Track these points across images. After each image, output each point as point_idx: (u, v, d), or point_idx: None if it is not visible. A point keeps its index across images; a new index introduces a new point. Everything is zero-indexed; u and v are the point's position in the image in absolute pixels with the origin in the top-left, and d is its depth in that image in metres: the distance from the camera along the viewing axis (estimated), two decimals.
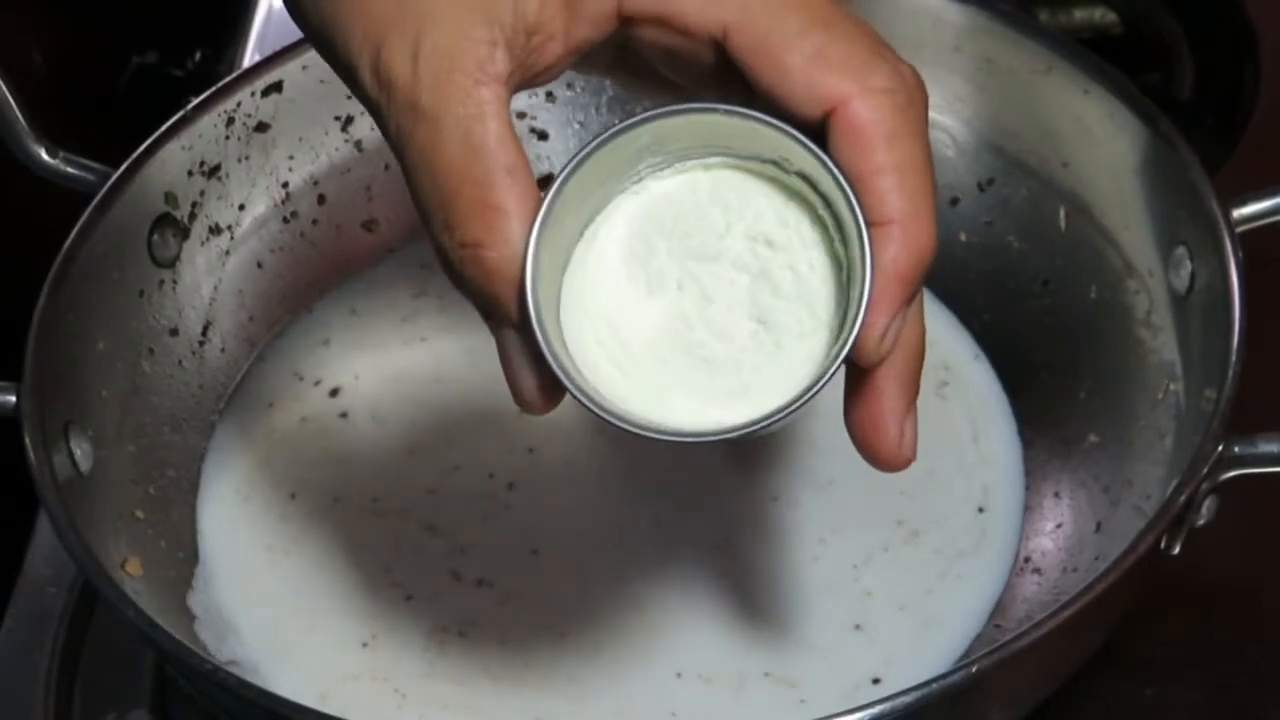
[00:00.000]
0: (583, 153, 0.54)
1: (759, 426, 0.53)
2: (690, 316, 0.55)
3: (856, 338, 0.52)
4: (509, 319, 0.53)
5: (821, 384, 0.53)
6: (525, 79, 0.54)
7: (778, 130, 0.53)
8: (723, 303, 0.55)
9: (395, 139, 0.54)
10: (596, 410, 0.53)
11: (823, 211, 0.54)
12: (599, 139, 0.54)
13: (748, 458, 0.75)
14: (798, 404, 0.53)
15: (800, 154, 0.53)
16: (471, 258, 0.52)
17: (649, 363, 0.55)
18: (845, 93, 0.52)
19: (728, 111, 0.53)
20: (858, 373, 0.55)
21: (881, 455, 0.56)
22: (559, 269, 0.55)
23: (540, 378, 0.54)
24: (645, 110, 0.54)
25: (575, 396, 0.53)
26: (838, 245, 0.54)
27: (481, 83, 0.52)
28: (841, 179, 0.52)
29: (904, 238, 0.52)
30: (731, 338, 0.55)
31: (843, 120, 0.52)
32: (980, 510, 0.73)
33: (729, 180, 0.55)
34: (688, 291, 0.55)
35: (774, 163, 0.54)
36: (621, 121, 0.53)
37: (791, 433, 0.75)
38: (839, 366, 0.53)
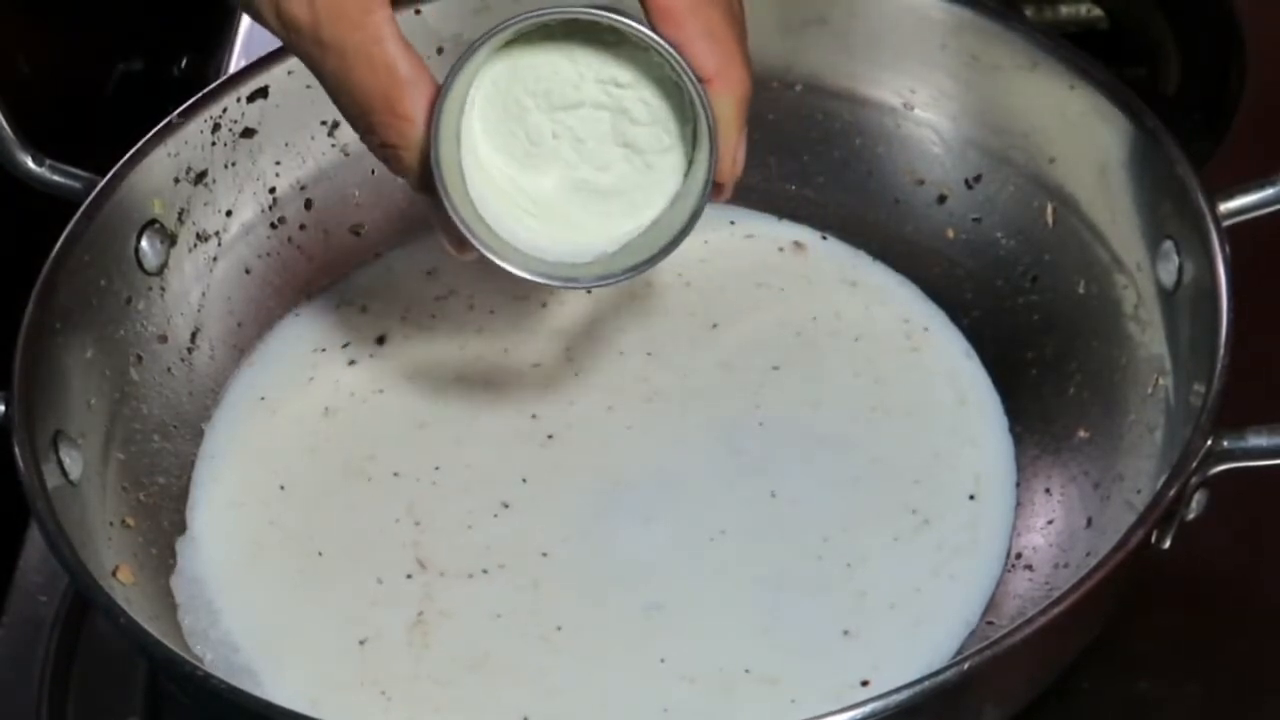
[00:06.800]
0: (445, 85, 0.62)
1: (654, 262, 0.64)
2: (571, 158, 0.66)
3: (713, 171, 0.63)
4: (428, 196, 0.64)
5: (696, 216, 0.64)
6: None
7: (595, 18, 0.62)
8: (593, 140, 0.65)
9: (309, 66, 0.63)
10: (503, 264, 0.64)
11: (658, 58, 0.63)
12: (451, 72, 0.62)
13: (758, 454, 0.75)
14: (685, 234, 0.64)
15: (622, 30, 0.62)
16: (391, 156, 0.64)
17: (554, 205, 0.66)
18: None
19: (550, 14, 0.62)
20: None
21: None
22: (458, 148, 0.64)
23: (460, 239, 0.65)
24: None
25: (486, 255, 0.64)
26: (670, 73, 0.63)
27: (369, 10, 0.61)
28: (668, 52, 0.61)
29: (726, 88, 0.63)
30: (609, 167, 0.66)
31: (652, 2, 0.62)
32: (971, 498, 0.73)
33: (565, 43, 0.64)
34: (564, 139, 0.65)
35: (592, 23, 0.63)
36: (463, 52, 0.62)
37: (804, 430, 0.75)
38: (706, 196, 0.64)
